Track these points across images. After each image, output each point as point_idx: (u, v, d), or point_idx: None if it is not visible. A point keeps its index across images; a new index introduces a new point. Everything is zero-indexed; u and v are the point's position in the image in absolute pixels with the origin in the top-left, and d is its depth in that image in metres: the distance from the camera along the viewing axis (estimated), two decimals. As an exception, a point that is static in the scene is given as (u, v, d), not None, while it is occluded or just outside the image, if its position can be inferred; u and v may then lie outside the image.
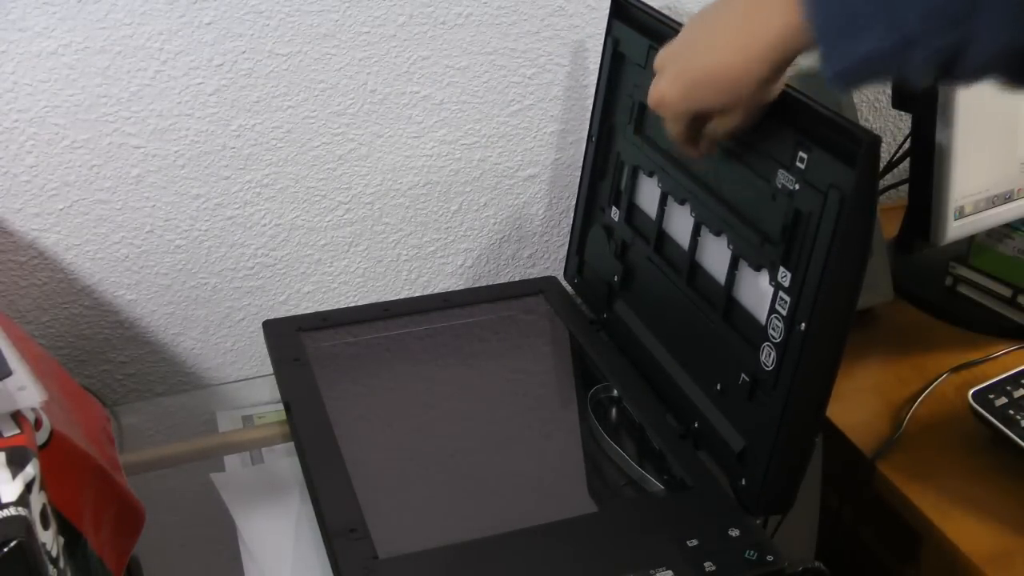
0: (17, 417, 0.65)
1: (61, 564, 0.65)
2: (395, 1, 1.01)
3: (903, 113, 1.03)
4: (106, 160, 0.98)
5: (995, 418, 0.89)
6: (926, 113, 0.97)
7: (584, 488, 0.89)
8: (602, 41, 1.00)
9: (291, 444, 0.92)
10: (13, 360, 0.67)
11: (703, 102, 0.73)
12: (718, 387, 0.84)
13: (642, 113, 0.95)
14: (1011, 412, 0.89)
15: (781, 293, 0.76)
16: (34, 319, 1.02)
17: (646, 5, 0.95)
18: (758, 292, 0.80)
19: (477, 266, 1.17)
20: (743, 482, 0.80)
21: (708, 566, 0.73)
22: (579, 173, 1.07)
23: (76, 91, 0.94)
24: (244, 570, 0.83)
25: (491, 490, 0.86)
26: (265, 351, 1.01)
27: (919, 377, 0.99)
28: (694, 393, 0.87)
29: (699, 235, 0.88)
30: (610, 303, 1.02)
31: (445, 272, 1.16)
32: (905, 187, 1.07)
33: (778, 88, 0.74)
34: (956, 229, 1.00)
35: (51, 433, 0.67)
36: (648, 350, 0.95)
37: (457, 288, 1.16)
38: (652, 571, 0.72)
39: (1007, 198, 1.03)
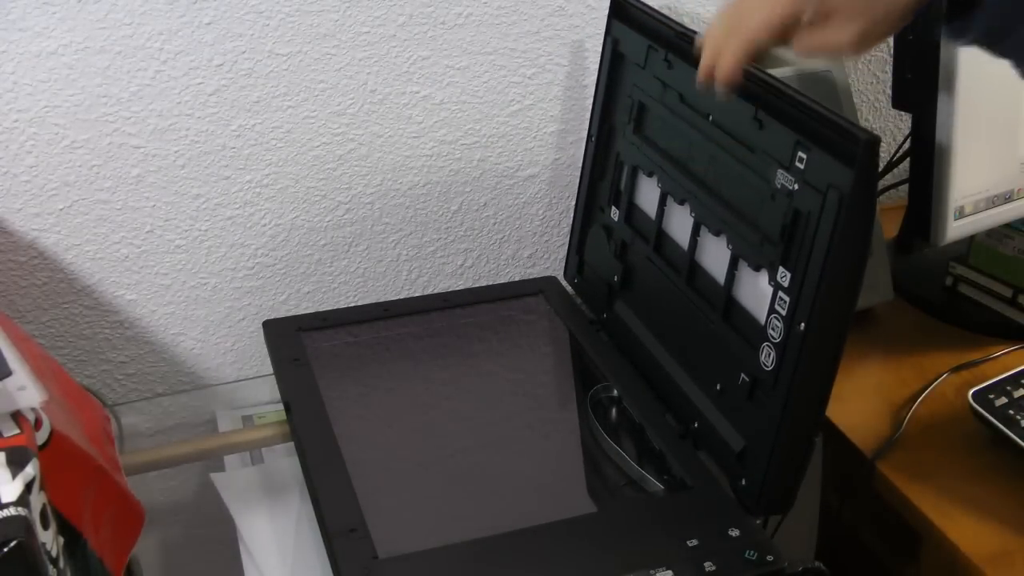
0: (17, 417, 0.65)
1: (61, 564, 0.65)
2: (395, 1, 1.01)
3: (903, 113, 1.03)
4: (106, 160, 0.98)
5: (995, 418, 0.89)
6: (926, 113, 0.97)
7: (584, 488, 0.89)
8: (602, 41, 1.00)
9: (291, 444, 0.92)
10: (13, 360, 0.67)
11: None
12: (718, 387, 0.84)
13: (642, 113, 0.95)
14: (1011, 412, 0.89)
15: (780, 293, 0.76)
16: (34, 319, 1.02)
17: (645, 5, 0.95)
18: (757, 292, 0.80)
19: (477, 266, 1.17)
20: (743, 482, 0.80)
21: (708, 566, 0.72)
22: (579, 173, 1.07)
23: (76, 91, 0.94)
24: (244, 570, 0.83)
25: (491, 490, 0.86)
26: (265, 351, 1.01)
27: (919, 377, 0.99)
28: (694, 393, 0.87)
29: (699, 235, 0.87)
30: (610, 303, 1.02)
31: (445, 272, 1.16)
32: (905, 187, 1.07)
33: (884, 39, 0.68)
34: (956, 229, 1.00)
35: (51, 433, 0.67)
36: (648, 350, 0.95)
37: (457, 288, 1.16)
38: (652, 571, 0.72)
39: (1007, 198, 1.03)
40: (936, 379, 0.99)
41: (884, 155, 1.22)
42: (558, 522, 0.78)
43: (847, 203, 0.69)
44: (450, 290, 1.16)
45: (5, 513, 0.59)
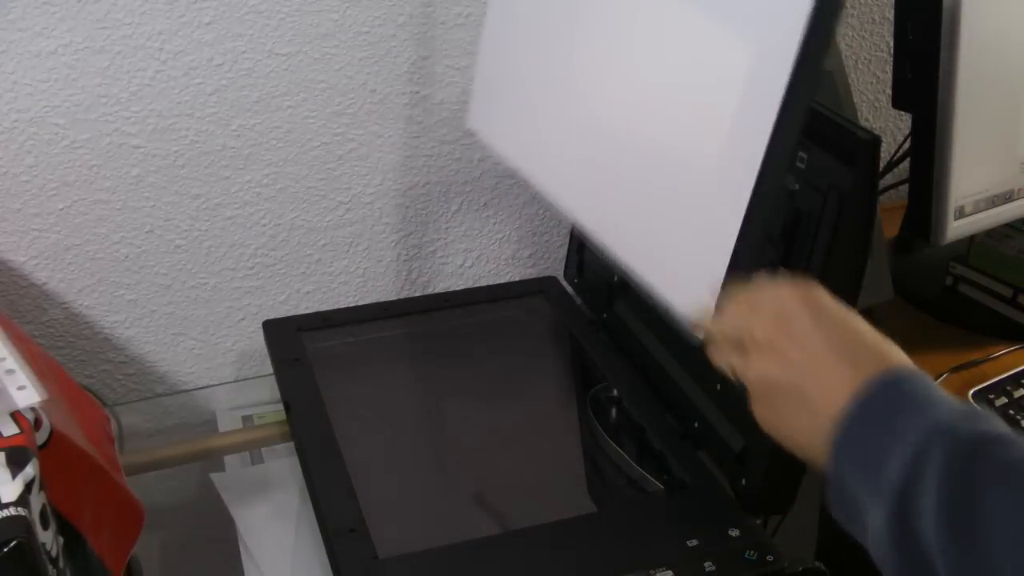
0: (17, 417, 0.65)
1: (61, 564, 0.65)
2: (395, 1, 1.01)
3: (903, 113, 1.03)
4: (106, 160, 0.98)
5: (995, 418, 0.89)
6: (926, 113, 0.97)
7: (584, 488, 0.89)
8: (602, 41, 1.00)
9: (291, 444, 0.92)
10: (13, 360, 0.67)
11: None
12: (718, 387, 0.84)
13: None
14: (1011, 412, 0.89)
15: (781, 293, 0.76)
16: (34, 319, 1.02)
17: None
18: (758, 292, 0.80)
19: (477, 266, 1.17)
20: (743, 482, 0.80)
21: (708, 566, 0.73)
22: (579, 173, 1.07)
23: (76, 91, 0.94)
24: (244, 570, 0.83)
25: (491, 490, 0.86)
26: (265, 351, 1.01)
27: (919, 377, 0.99)
28: (694, 393, 0.87)
29: (699, 235, 0.87)
30: (610, 303, 1.02)
31: (445, 272, 1.16)
32: (905, 187, 1.07)
33: None
34: (956, 229, 1.00)
35: (51, 433, 0.67)
36: (648, 350, 0.94)
37: (457, 288, 1.16)
38: (652, 571, 0.72)
39: (1007, 198, 1.03)
40: (936, 379, 0.98)
41: (884, 155, 1.22)
42: (558, 522, 0.78)
43: (847, 203, 0.69)
44: (450, 290, 1.16)
45: (5, 513, 0.59)
